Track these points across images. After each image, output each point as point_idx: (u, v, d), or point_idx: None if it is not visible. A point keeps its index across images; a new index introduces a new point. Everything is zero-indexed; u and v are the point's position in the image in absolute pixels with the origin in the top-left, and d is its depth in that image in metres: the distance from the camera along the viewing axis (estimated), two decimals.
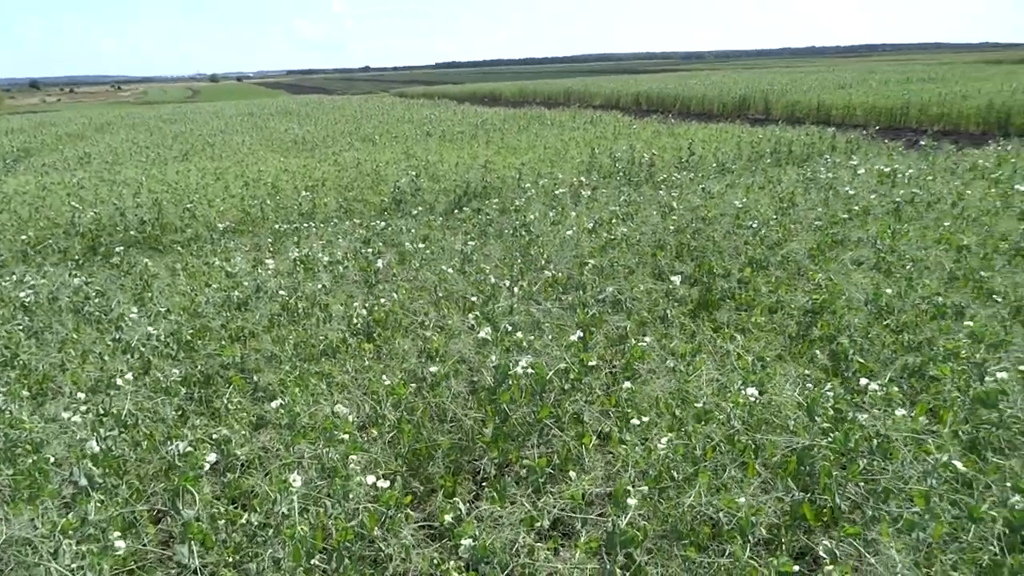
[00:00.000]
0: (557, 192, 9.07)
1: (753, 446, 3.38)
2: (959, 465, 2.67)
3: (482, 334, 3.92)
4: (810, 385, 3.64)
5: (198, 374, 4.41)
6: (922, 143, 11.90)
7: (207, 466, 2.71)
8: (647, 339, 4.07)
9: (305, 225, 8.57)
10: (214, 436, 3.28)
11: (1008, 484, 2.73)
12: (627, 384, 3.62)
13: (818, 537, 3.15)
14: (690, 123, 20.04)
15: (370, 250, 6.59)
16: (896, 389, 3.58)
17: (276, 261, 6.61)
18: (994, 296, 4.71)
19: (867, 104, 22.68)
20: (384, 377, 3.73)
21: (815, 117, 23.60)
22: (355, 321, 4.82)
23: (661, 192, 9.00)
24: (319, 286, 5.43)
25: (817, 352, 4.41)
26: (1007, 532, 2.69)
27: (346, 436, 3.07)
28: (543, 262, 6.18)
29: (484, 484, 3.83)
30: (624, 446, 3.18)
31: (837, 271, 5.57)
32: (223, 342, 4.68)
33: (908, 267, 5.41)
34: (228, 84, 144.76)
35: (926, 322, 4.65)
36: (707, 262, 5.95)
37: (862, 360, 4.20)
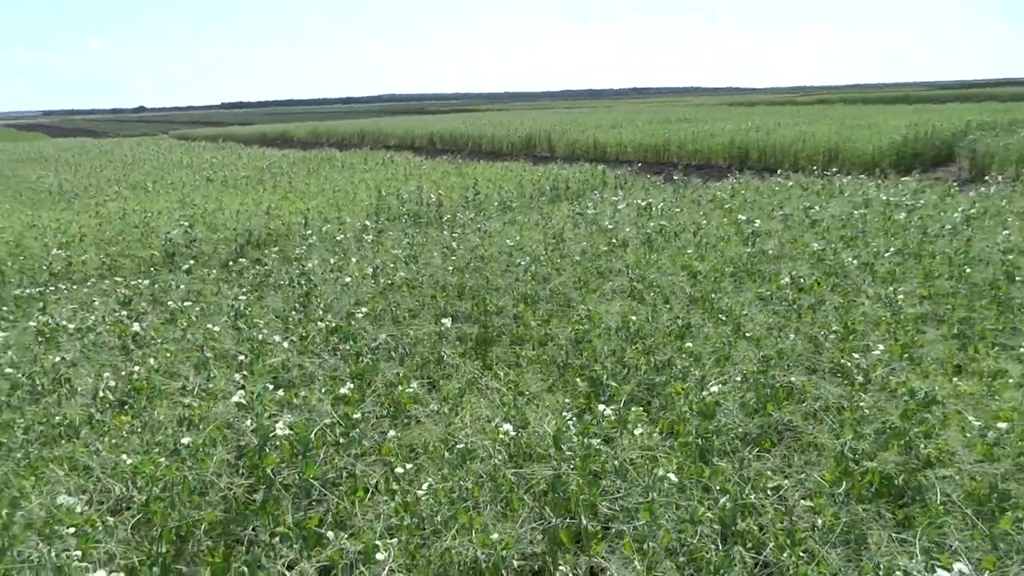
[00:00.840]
0: (339, 238, 8.96)
1: (515, 480, 3.55)
2: (672, 477, 3.00)
3: (236, 397, 3.74)
4: (566, 413, 3.90)
5: None
6: (675, 177, 13.37)
7: None
8: (413, 384, 4.13)
9: (53, 288, 7.67)
10: None
11: (717, 487, 3.11)
12: (391, 433, 3.64)
13: (581, 559, 3.36)
14: (479, 162, 20.84)
15: (125, 313, 6.04)
16: (640, 409, 3.95)
17: (13, 332, 5.83)
18: (720, 315, 5.38)
19: (635, 142, 25.07)
20: (125, 456, 3.42)
21: (593, 154, 25.64)
22: (101, 394, 4.37)
23: (445, 232, 9.24)
24: (58, 358, 4.87)
25: (578, 380, 4.74)
26: (721, 529, 3.07)
27: (72, 530, 2.77)
28: (321, 312, 6.05)
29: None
30: (386, 496, 3.19)
31: (597, 301, 6.04)
32: None
33: (653, 294, 6.01)
34: None
35: (670, 343, 5.19)
36: (483, 300, 6.20)
37: (615, 384, 4.58)
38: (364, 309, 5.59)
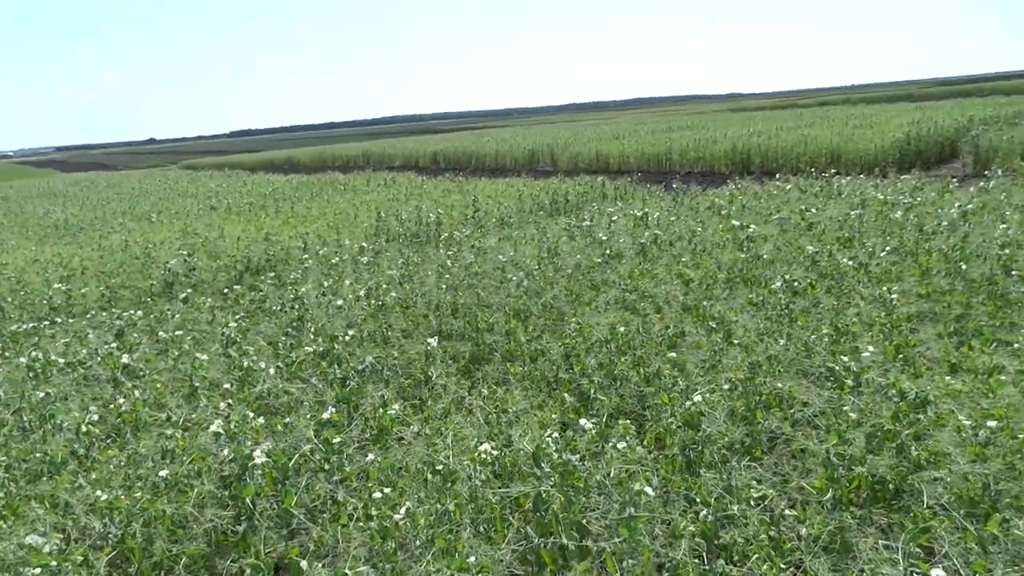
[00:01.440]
0: (334, 260, 8.96)
1: (497, 500, 3.47)
2: (650, 491, 2.92)
3: (214, 427, 3.71)
4: (548, 430, 3.82)
5: None
6: (674, 186, 13.31)
7: None
8: (396, 407, 4.08)
9: (49, 323, 7.70)
10: None
11: (698, 499, 3.03)
12: (370, 456, 3.59)
13: None
14: (480, 179, 20.89)
15: (115, 344, 6.04)
16: (628, 422, 3.87)
17: (3, 369, 5.85)
18: (710, 323, 5.30)
19: (638, 152, 24.98)
20: (99, 492, 3.39)
21: (596, 166, 25.60)
22: (84, 429, 4.35)
23: (441, 251, 9.22)
24: (45, 393, 4.86)
25: (566, 395, 4.67)
26: (703, 542, 2.98)
27: (38, 571, 2.73)
28: (312, 336, 6.03)
29: None
30: (361, 523, 3.13)
31: (590, 314, 5.98)
32: None
33: (645, 304, 5.94)
34: None
35: (661, 353, 5.11)
36: (475, 318, 6.15)
37: (603, 397, 4.50)
38: (351, 332, 5.55)
